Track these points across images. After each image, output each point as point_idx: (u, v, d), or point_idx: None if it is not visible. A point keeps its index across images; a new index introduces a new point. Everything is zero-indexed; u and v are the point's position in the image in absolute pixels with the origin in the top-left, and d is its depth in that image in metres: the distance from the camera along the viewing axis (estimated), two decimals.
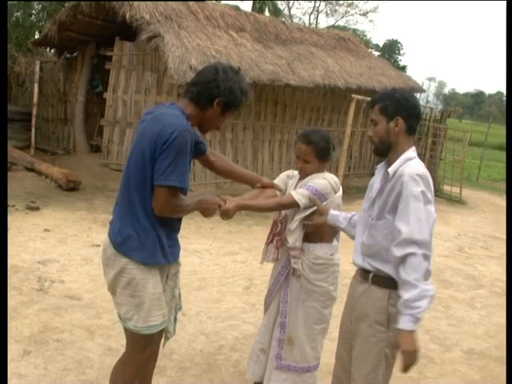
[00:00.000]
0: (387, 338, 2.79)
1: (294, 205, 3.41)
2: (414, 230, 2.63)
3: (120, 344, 3.25)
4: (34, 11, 17.65)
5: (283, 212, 3.58)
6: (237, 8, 12.86)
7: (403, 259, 2.63)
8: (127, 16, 9.98)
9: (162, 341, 3.35)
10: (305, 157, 3.46)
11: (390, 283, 2.78)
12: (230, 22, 11.82)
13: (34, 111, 13.33)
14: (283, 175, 3.75)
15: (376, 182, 2.96)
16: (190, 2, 11.37)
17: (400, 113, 2.80)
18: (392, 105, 2.81)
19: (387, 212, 2.80)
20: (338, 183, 3.54)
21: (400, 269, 2.66)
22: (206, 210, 3.07)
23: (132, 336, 3.06)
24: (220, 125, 3.07)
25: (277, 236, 3.62)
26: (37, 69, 13.27)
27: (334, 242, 3.66)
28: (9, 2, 17.98)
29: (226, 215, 3.17)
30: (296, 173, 3.65)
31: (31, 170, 11.00)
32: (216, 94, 2.89)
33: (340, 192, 3.56)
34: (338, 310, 3.47)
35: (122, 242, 2.92)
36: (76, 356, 4.25)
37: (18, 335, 4.46)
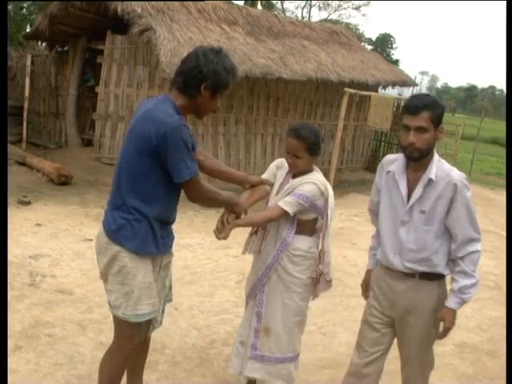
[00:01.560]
0: (435, 321, 3.10)
1: (284, 215, 3.44)
2: (474, 230, 2.98)
3: (111, 338, 3.24)
4: (25, 5, 17.54)
5: (270, 204, 3.57)
6: (229, 2, 12.79)
7: (463, 255, 2.98)
8: (119, 9, 9.95)
9: (161, 321, 3.35)
10: (296, 152, 3.44)
11: (437, 275, 3.08)
12: (223, 15, 11.78)
13: (26, 105, 13.22)
14: (273, 166, 3.73)
15: (402, 186, 3.06)
16: None
17: (442, 122, 2.95)
18: (441, 114, 2.93)
19: (440, 216, 2.98)
20: (327, 185, 3.54)
21: (459, 261, 3.00)
22: (237, 207, 3.19)
23: (120, 324, 3.08)
24: (214, 108, 3.04)
25: (262, 227, 3.60)
26: (28, 62, 13.17)
27: (314, 236, 3.64)
28: None
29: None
30: (285, 163, 3.63)
31: (23, 164, 10.96)
32: (201, 79, 2.89)
33: (331, 192, 3.57)
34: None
35: (115, 230, 2.97)
36: (67, 351, 4.23)
37: (10, 330, 4.40)
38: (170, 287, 3.40)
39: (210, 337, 4.72)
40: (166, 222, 3.10)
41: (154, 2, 10.33)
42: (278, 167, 3.69)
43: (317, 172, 3.59)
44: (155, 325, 3.29)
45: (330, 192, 3.55)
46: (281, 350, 3.63)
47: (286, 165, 3.61)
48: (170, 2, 10.73)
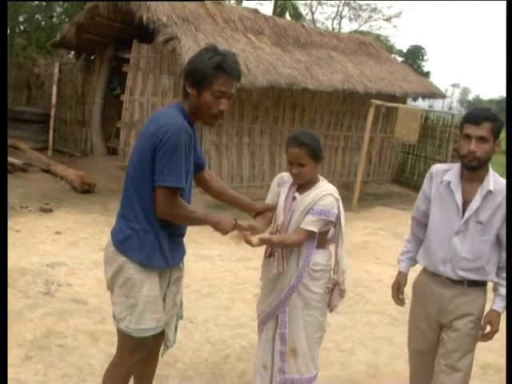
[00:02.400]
0: (480, 326, 3.19)
1: (311, 236, 3.36)
2: None
3: None
4: (55, 13, 17.73)
5: (279, 221, 3.42)
6: (256, 11, 12.74)
7: None
8: (144, 18, 9.92)
9: (162, 350, 3.25)
10: (299, 160, 3.30)
11: (483, 282, 3.20)
12: (249, 25, 11.71)
13: (53, 113, 13.34)
14: (273, 186, 3.58)
15: (458, 196, 3.13)
16: (208, 5, 11.28)
17: (499, 136, 3.06)
18: (501, 127, 3.04)
19: (496, 227, 3.09)
20: (337, 191, 3.44)
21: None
22: (219, 225, 2.94)
23: (123, 337, 3.01)
24: (209, 108, 2.84)
25: (278, 247, 3.44)
26: (56, 70, 13.28)
27: (326, 247, 3.53)
28: (31, 5, 18.14)
29: (249, 243, 3.11)
30: (286, 177, 3.51)
31: (47, 171, 10.99)
32: (186, 77, 2.86)
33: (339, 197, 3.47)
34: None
35: (121, 241, 2.90)
36: (78, 362, 4.15)
37: (21, 339, 4.39)
38: (181, 303, 3.32)
39: (224, 351, 4.59)
40: (176, 234, 3.00)
41: (179, 11, 10.30)
42: (278, 184, 3.55)
43: (322, 180, 3.48)
44: (168, 344, 3.21)
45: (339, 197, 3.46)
46: (309, 370, 3.50)
47: (286, 178, 3.50)
48: (195, 12, 10.69)
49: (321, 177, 3.51)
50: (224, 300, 5.75)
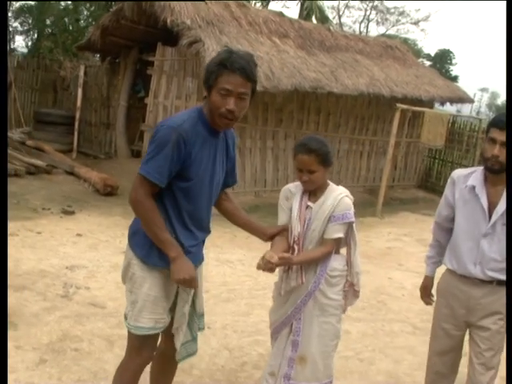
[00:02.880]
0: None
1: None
2: None
3: None
4: (81, 16, 17.86)
5: (296, 232, 3.32)
6: (281, 14, 12.67)
7: None
8: (168, 21, 9.91)
9: (179, 355, 3.14)
10: (309, 167, 3.23)
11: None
12: (274, 28, 11.63)
13: (78, 115, 13.42)
14: (282, 200, 3.48)
15: (484, 200, 3.16)
16: (233, 7, 11.23)
17: None
18: None
19: None
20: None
21: None
22: (175, 265, 2.78)
23: (129, 335, 3.01)
24: (215, 108, 2.74)
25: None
26: (81, 73, 13.36)
27: (341, 252, 3.48)
28: (58, 8, 18.31)
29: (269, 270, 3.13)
30: (293, 187, 3.44)
31: (71, 173, 11.03)
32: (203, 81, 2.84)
33: None
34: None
35: (131, 236, 2.95)
36: (92, 367, 4.10)
37: (36, 343, 4.35)
38: (202, 315, 3.26)
39: (241, 359, 4.51)
40: (186, 236, 2.93)
41: (203, 14, 10.26)
42: (287, 198, 3.46)
43: (332, 184, 3.41)
44: (189, 351, 3.18)
45: None
46: (317, 378, 3.42)
47: (294, 189, 3.42)
48: (220, 14, 10.66)
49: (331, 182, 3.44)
50: (243, 306, 5.67)
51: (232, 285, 6.23)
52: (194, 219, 2.93)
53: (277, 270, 3.40)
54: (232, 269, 6.80)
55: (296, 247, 3.32)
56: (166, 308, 2.97)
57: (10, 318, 4.70)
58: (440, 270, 3.55)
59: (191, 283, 2.84)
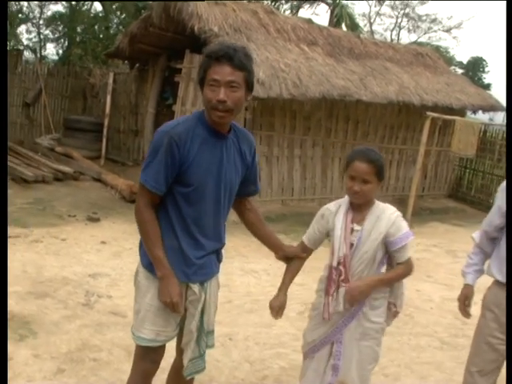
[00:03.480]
0: None
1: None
2: None
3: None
4: (111, 24, 18.00)
5: (341, 253, 3.15)
6: (309, 21, 12.58)
7: None
8: (196, 28, 9.88)
9: (186, 371, 3.01)
10: (365, 176, 3.08)
11: None
12: (302, 35, 11.54)
13: (106, 122, 13.48)
14: (318, 219, 3.32)
15: None
16: (261, 14, 11.17)
17: None
18: None
19: None
20: None
21: None
22: (162, 283, 2.73)
23: (135, 344, 2.96)
24: (207, 103, 2.66)
25: (344, 282, 3.17)
26: (110, 80, 13.42)
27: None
28: (89, 15, 18.48)
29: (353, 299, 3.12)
30: (334, 206, 3.28)
31: (98, 180, 11.06)
32: None
33: None
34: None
35: (140, 244, 2.88)
36: (110, 377, 4.04)
37: (55, 351, 4.31)
38: (212, 332, 3.08)
39: (262, 372, 4.40)
40: (192, 247, 2.82)
41: (231, 21, 10.23)
42: (324, 216, 3.28)
43: (378, 201, 3.25)
44: (196, 367, 3.04)
45: None
46: None
47: (333, 208, 3.25)
48: (248, 22, 10.61)
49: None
50: (266, 317, 5.51)
51: (256, 295, 6.13)
52: (200, 227, 2.81)
53: (314, 285, 3.31)
54: (257, 279, 6.70)
55: (342, 269, 3.16)
56: (169, 321, 2.87)
57: (30, 326, 4.69)
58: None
59: (173, 307, 2.75)
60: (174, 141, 2.63)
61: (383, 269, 3.30)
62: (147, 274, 2.83)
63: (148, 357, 2.91)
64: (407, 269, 3.22)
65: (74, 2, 19.19)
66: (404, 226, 3.19)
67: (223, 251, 3.07)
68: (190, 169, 2.70)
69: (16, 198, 9.23)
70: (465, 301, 3.57)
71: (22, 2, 19.69)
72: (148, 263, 2.80)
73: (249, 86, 2.71)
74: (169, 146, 2.63)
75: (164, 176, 2.65)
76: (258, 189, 3.18)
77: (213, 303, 3.02)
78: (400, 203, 12.05)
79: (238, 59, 2.60)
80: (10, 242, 6.86)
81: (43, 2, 20.40)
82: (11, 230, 7.28)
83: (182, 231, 2.77)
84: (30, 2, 20.32)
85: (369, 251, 3.14)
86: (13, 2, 18.92)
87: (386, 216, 3.16)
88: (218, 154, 2.78)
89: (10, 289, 5.38)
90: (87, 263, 6.46)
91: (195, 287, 2.86)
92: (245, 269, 6.90)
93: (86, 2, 19.74)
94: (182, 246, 2.77)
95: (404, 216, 10.34)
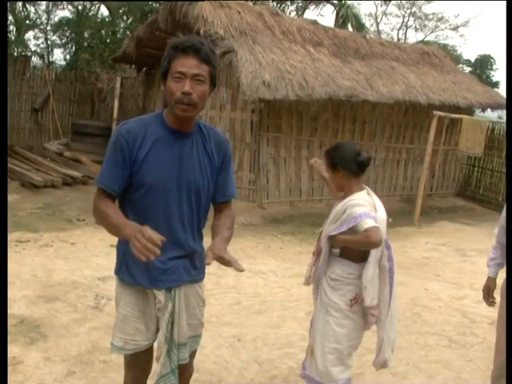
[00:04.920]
0: None
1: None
2: None
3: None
4: (117, 29, 18.08)
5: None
6: (315, 22, 12.59)
7: None
8: (201, 32, 9.92)
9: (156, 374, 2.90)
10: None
11: None
12: (308, 36, 11.57)
13: (114, 126, 13.52)
14: None
15: None
16: (266, 17, 11.20)
17: None
18: None
19: None
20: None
21: None
22: (133, 245, 2.23)
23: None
24: (170, 96, 2.52)
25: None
26: (117, 84, 13.47)
27: (363, 264, 3.38)
28: (96, 21, 18.57)
29: None
30: None
31: None
32: None
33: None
34: None
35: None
36: (120, 379, 4.01)
37: (65, 354, 4.35)
38: (184, 344, 2.82)
39: (270, 372, 4.42)
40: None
41: (236, 24, 10.27)
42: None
43: (360, 192, 3.48)
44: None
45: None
46: (318, 374, 3.48)
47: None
48: (253, 24, 10.64)
49: (367, 189, 3.63)
50: (275, 318, 5.59)
51: (264, 296, 6.15)
52: (163, 229, 2.45)
53: None
54: (265, 280, 6.72)
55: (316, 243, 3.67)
56: (140, 329, 2.77)
57: (41, 329, 4.74)
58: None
59: (142, 233, 2.23)
60: (123, 137, 2.54)
61: None
62: (119, 282, 2.80)
63: (135, 365, 2.90)
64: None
65: (80, 8, 19.32)
66: (354, 210, 3.30)
67: (205, 258, 2.51)
68: (142, 167, 2.57)
69: (25, 203, 9.31)
70: (488, 292, 3.74)
71: (29, 8, 19.80)
72: (117, 269, 2.79)
73: (212, 81, 2.58)
74: (118, 143, 2.54)
75: (115, 174, 2.55)
76: (229, 195, 2.85)
77: (187, 314, 2.81)
78: (408, 203, 12.08)
79: (205, 52, 2.50)
80: (20, 246, 6.94)
81: (50, 8, 20.53)
82: (21, 235, 7.36)
83: None
84: (38, 8, 20.45)
85: (327, 230, 3.44)
86: (20, 8, 19.06)
87: (345, 202, 3.40)
88: (176, 153, 2.62)
89: (21, 293, 5.45)
90: (96, 267, 6.50)
91: (160, 294, 2.71)
92: (253, 270, 6.92)
93: (93, 8, 19.90)
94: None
95: (412, 215, 10.39)
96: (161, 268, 2.66)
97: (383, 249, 3.38)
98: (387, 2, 35.74)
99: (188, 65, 2.47)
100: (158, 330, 2.81)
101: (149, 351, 2.91)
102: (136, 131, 2.57)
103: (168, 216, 2.64)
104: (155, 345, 2.87)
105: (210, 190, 2.75)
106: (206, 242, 2.74)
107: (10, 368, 4.01)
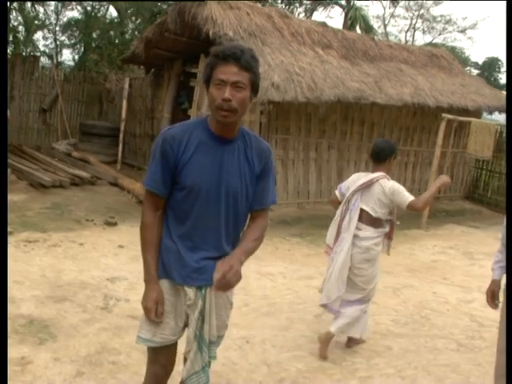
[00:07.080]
0: None
1: None
2: None
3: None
4: (126, 30, 18.11)
5: None
6: (324, 24, 12.58)
7: None
8: (210, 33, 9.91)
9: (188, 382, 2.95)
10: None
11: None
12: (317, 38, 11.55)
13: (122, 127, 13.56)
14: None
15: None
16: (276, 19, 11.19)
17: None
18: None
19: None
20: None
21: None
22: (146, 288, 2.87)
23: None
24: (212, 102, 2.61)
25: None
26: (126, 85, 13.51)
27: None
28: (104, 21, 18.60)
29: None
30: None
31: (115, 184, 11.13)
32: None
33: None
34: None
35: None
36: (129, 380, 4.08)
37: (75, 355, 4.36)
38: (214, 343, 2.94)
39: (279, 374, 4.42)
40: (186, 247, 2.79)
41: (246, 25, 10.26)
42: None
43: None
44: (200, 382, 2.93)
45: None
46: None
47: None
48: (262, 26, 10.63)
49: None
50: (283, 320, 5.58)
51: (272, 298, 6.15)
52: (197, 229, 2.75)
53: None
54: (273, 282, 6.72)
55: None
56: (169, 323, 2.86)
57: (50, 330, 4.75)
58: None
59: (146, 312, 2.83)
60: (167, 142, 2.66)
61: None
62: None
63: (157, 361, 2.94)
64: None
65: (89, 8, 19.37)
66: None
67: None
68: (184, 170, 2.68)
69: (34, 203, 9.33)
70: (492, 295, 3.76)
71: (38, 9, 19.88)
72: None
73: (254, 88, 2.66)
74: (163, 147, 2.66)
75: (161, 176, 2.69)
76: (264, 204, 2.91)
77: (216, 313, 2.90)
78: None
79: (245, 60, 2.56)
80: (29, 246, 6.95)
81: (59, 9, 20.59)
82: (30, 235, 7.37)
83: (178, 232, 2.77)
84: (47, 9, 20.51)
85: None
86: (29, 9, 19.12)
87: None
88: (218, 158, 2.72)
89: (30, 293, 5.47)
90: (105, 267, 6.52)
91: (190, 291, 2.80)
92: (261, 272, 6.92)
93: (101, 8, 19.96)
94: (178, 247, 2.76)
95: (420, 218, 10.41)
96: (194, 266, 2.77)
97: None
98: (395, 4, 35.69)
99: (228, 72, 2.55)
100: (185, 328, 2.92)
101: (172, 349, 2.98)
102: (180, 136, 2.68)
103: (205, 218, 2.75)
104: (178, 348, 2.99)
105: (248, 196, 2.83)
106: None
107: (19, 368, 4.04)
